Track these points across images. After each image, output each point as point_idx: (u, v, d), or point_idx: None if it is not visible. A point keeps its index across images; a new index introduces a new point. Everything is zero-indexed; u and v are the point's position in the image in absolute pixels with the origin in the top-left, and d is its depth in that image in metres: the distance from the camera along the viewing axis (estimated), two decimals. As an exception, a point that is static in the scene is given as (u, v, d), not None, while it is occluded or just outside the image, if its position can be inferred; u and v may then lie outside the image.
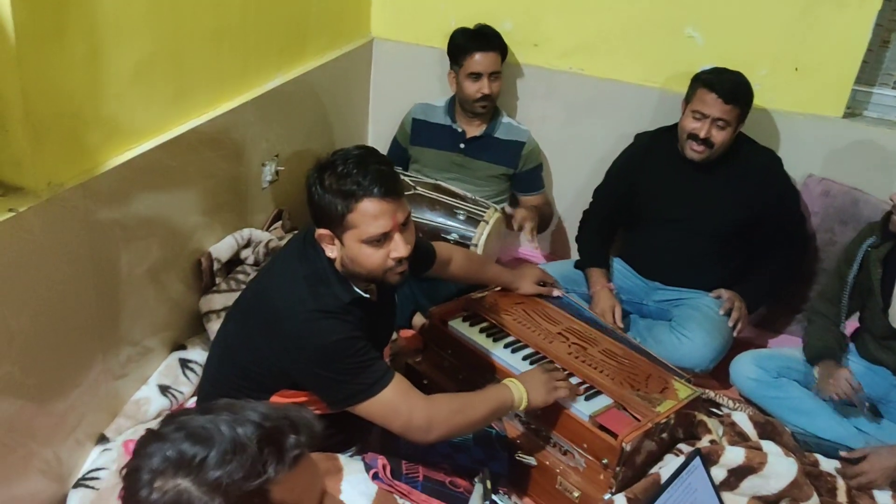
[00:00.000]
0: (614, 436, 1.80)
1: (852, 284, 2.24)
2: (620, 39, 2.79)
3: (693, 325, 2.38)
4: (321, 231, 1.62)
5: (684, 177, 2.49)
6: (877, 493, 2.02)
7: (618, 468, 1.81)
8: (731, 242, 2.52)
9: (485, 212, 2.53)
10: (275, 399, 1.68)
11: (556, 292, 2.33)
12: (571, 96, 2.91)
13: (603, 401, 1.92)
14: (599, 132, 2.89)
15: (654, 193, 2.55)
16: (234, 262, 2.40)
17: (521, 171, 2.81)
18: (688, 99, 2.42)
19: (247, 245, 2.41)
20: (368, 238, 1.57)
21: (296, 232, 2.15)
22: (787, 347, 2.39)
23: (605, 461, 1.82)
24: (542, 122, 2.94)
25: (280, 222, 2.65)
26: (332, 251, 1.64)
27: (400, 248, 1.60)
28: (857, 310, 2.32)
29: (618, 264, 2.68)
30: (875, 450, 2.07)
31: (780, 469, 1.89)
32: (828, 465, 2.07)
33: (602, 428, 1.84)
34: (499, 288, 2.31)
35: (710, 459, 1.89)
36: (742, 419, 2.16)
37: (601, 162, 2.79)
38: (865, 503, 1.99)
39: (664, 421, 1.88)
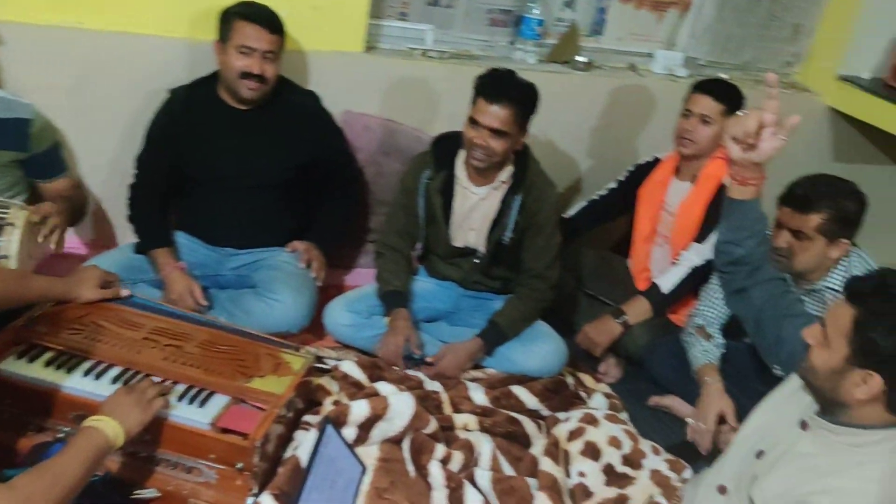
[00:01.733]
0: (244, 436, 1.65)
1: (424, 216, 2.37)
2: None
3: (278, 285, 2.29)
4: None
5: (229, 129, 2.32)
6: (472, 390, 2.23)
7: (255, 468, 1.66)
8: (292, 192, 2.46)
9: (6, 212, 2.03)
10: None
11: (124, 291, 2.01)
12: (76, 56, 2.46)
13: (219, 401, 1.73)
14: (122, 93, 2.51)
15: (201, 151, 2.33)
16: None
17: (34, 154, 2.31)
18: (225, 38, 2.22)
19: None
20: None
21: None
22: (372, 285, 2.46)
23: (239, 465, 1.66)
24: (49, 91, 2.44)
25: None
26: None
27: None
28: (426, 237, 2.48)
29: (182, 238, 2.42)
30: (450, 347, 2.31)
31: (400, 407, 1.95)
32: (430, 385, 2.22)
33: (227, 431, 1.66)
34: (52, 304, 1.90)
35: (339, 422, 1.86)
36: (351, 368, 2.17)
37: (132, 127, 2.46)
38: (466, 406, 2.18)
39: (289, 400, 1.78)
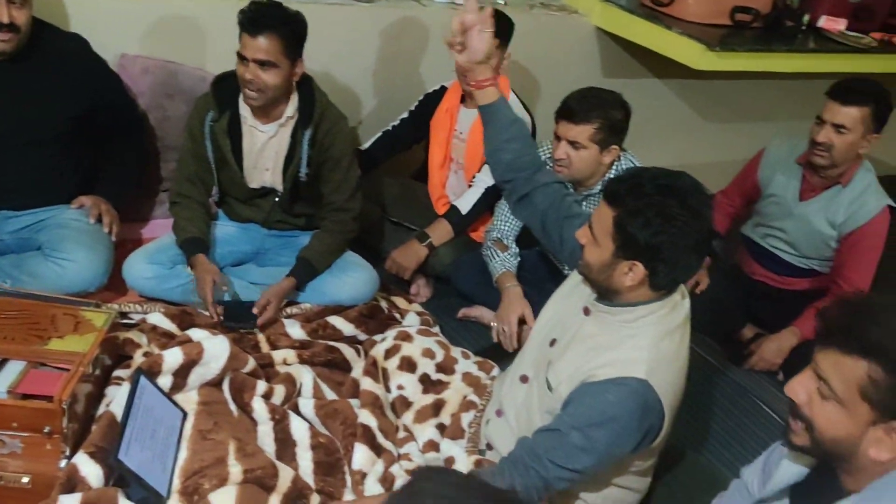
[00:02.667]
0: (48, 399, 1.58)
1: (214, 159, 2.31)
2: None
3: (68, 244, 2.16)
4: None
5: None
6: (288, 326, 2.26)
7: (65, 430, 1.60)
8: (72, 145, 2.31)
9: None
10: None
11: None
12: None
13: (15, 368, 1.64)
14: None
15: None
16: None
17: None
18: None
19: None
20: None
21: None
22: (170, 235, 2.38)
23: (46, 429, 1.59)
24: None
25: None
26: None
27: None
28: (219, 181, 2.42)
29: (-54, 206, 2.20)
30: (266, 292, 2.29)
31: (215, 350, 1.94)
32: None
33: (29, 397, 1.59)
34: None
35: (153, 372, 1.82)
36: (159, 319, 2.12)
37: None
38: (284, 342, 2.21)
39: (94, 357, 1.72)
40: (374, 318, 2.36)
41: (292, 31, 2.15)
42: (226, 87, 2.27)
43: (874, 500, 1.20)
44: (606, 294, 1.65)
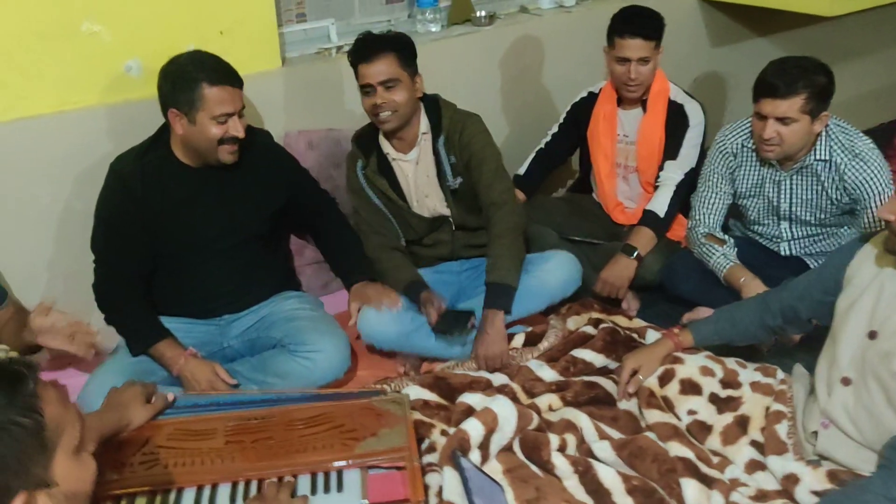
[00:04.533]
0: (404, 502, 1.50)
1: (382, 204, 2.36)
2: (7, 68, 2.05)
3: (311, 335, 2.09)
4: None
5: (205, 189, 2.08)
6: (537, 369, 2.17)
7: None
8: (275, 237, 2.28)
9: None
10: None
11: (169, 396, 1.75)
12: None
13: (352, 477, 1.56)
14: (42, 185, 2.16)
15: (179, 220, 2.07)
16: None
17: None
18: (190, 106, 1.93)
19: None
20: None
21: None
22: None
23: (402, 534, 1.51)
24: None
25: None
26: None
27: None
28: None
29: (174, 323, 2.13)
30: (478, 339, 2.20)
31: (505, 413, 1.86)
32: (498, 379, 2.13)
33: (385, 504, 1.51)
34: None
35: (464, 450, 1.74)
36: (419, 391, 2.04)
37: (65, 220, 2.16)
38: (540, 388, 2.12)
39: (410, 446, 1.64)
40: (616, 342, 2.25)
41: (402, 46, 2.18)
42: (365, 136, 2.34)
43: None
44: None
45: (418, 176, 2.32)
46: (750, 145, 2.36)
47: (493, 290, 2.21)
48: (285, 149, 2.35)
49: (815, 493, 1.67)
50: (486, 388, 2.08)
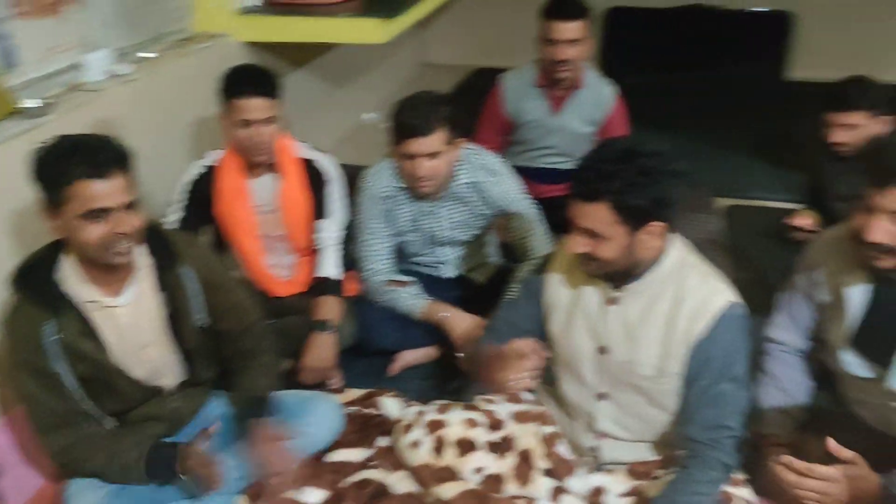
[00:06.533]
0: None
1: None
2: None
3: None
4: None
5: None
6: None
7: None
8: None
9: None
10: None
11: None
12: None
13: None
14: None
15: None
16: None
17: None
18: None
19: None
20: None
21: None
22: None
23: None
24: None
25: None
26: None
27: None
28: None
29: None
30: None
31: None
32: None
33: None
34: None
35: None
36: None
37: None
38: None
39: None
40: (370, 428, 2.07)
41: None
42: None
43: None
44: (629, 273, 1.70)
45: None
46: (399, 184, 2.37)
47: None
48: None
49: (623, 495, 1.78)
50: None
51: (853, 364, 1.80)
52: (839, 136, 2.58)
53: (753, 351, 1.78)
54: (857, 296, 1.75)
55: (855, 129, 2.52)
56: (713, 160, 3.96)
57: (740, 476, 1.78)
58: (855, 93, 2.54)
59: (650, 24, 5.31)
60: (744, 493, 1.75)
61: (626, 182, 1.57)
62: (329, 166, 2.47)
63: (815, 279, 1.87)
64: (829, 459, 1.90)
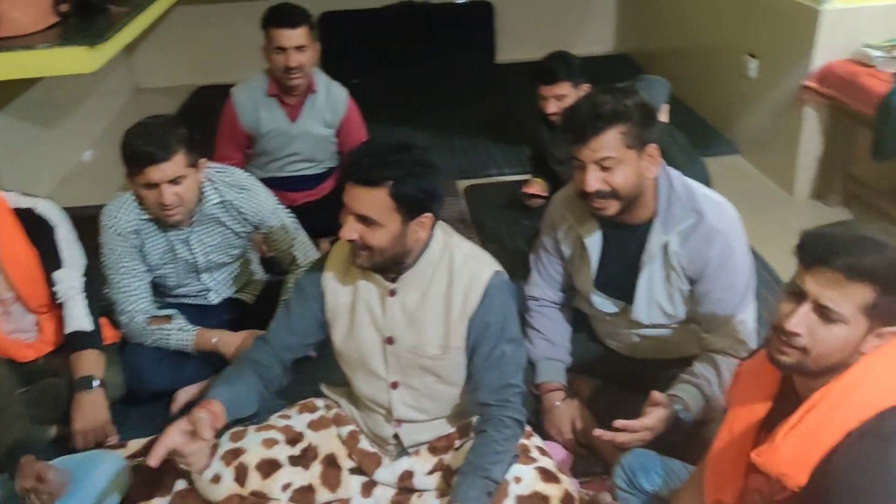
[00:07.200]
0: None
1: None
2: None
3: None
4: None
5: None
6: None
7: None
8: None
9: None
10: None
11: None
12: None
13: None
14: None
15: None
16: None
17: None
18: None
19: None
20: None
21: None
22: None
23: None
24: None
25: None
26: None
27: None
28: None
29: None
30: None
31: None
32: None
33: None
34: None
35: None
36: None
37: None
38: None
39: None
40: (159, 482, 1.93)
41: None
42: None
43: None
44: (399, 263, 1.76)
45: None
46: (145, 216, 2.24)
47: None
48: None
49: (431, 472, 1.86)
50: None
51: (602, 304, 2.04)
52: (551, 107, 2.85)
53: (519, 312, 1.93)
54: (594, 243, 1.99)
55: (563, 99, 2.80)
56: (446, 146, 4.20)
57: (528, 428, 1.93)
58: (557, 66, 2.82)
59: (363, 26, 5.45)
60: (536, 441, 1.90)
61: (405, 171, 1.64)
62: (50, 211, 2.22)
63: (558, 237, 2.09)
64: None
